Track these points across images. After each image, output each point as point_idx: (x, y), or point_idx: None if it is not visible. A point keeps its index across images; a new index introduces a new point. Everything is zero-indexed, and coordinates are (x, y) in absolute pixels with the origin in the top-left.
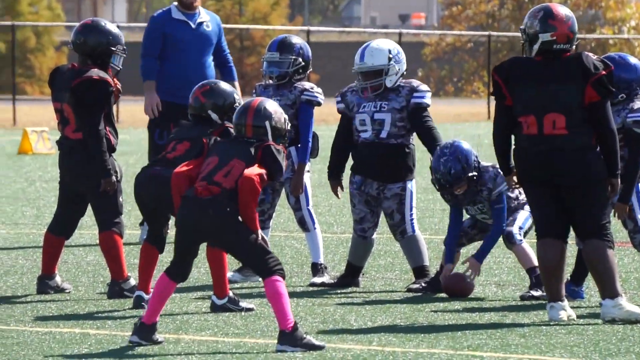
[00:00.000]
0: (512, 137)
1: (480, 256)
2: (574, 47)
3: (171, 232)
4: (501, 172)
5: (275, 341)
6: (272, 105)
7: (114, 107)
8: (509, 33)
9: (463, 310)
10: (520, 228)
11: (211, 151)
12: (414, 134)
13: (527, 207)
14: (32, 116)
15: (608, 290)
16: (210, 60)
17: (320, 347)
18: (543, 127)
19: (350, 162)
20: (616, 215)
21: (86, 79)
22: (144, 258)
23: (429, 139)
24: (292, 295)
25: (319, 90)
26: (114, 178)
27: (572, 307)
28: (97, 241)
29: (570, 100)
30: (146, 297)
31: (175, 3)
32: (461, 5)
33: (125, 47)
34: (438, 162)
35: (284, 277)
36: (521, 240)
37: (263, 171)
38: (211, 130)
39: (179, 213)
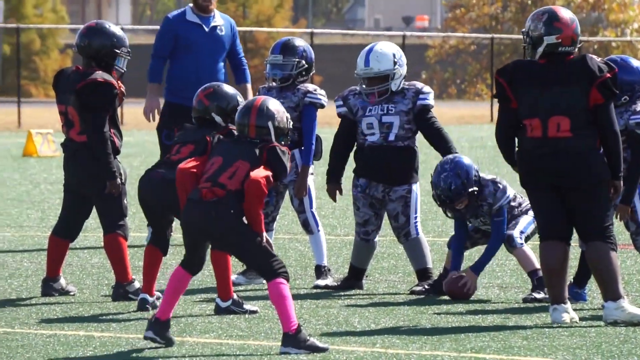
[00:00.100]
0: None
1: (477, 268)
2: (576, 49)
3: (176, 235)
4: (501, 187)
5: (279, 343)
6: (274, 105)
7: (118, 110)
8: (512, 35)
9: (466, 313)
10: (522, 232)
11: (215, 151)
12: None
13: (530, 213)
14: (37, 118)
15: (610, 292)
16: (222, 64)
17: (323, 349)
18: (547, 129)
19: (350, 165)
20: (618, 217)
21: (91, 81)
22: (148, 260)
23: (440, 140)
24: (295, 297)
25: (323, 92)
26: (118, 180)
27: (574, 310)
28: (102, 244)
29: (574, 102)
30: (150, 299)
31: (191, 5)
32: (464, 7)
33: (129, 50)
34: (438, 178)
35: (288, 280)
36: (522, 244)
37: (269, 173)
38: (215, 133)
39: (184, 216)
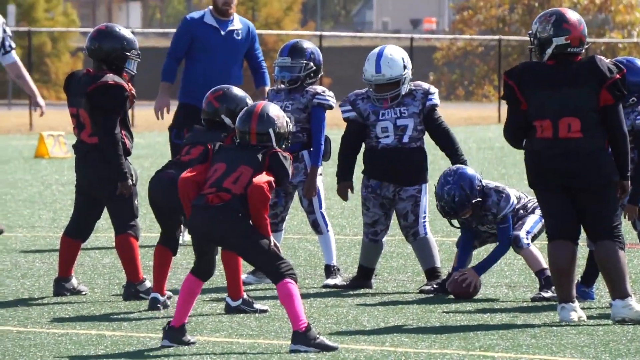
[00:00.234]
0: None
1: (480, 269)
2: (583, 50)
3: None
4: (504, 195)
5: (289, 342)
6: (274, 110)
7: (129, 112)
8: (519, 37)
9: (475, 311)
10: (528, 232)
11: (217, 157)
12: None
13: (537, 212)
14: (49, 121)
15: (618, 290)
16: (237, 68)
17: (333, 348)
18: (558, 130)
19: (358, 165)
20: (626, 216)
21: (101, 84)
22: (158, 260)
23: (447, 141)
24: (305, 296)
25: (331, 93)
26: (129, 181)
27: (582, 308)
28: (113, 244)
29: (585, 103)
30: (161, 298)
31: (211, 7)
32: (472, 10)
33: (139, 52)
34: (442, 190)
35: (295, 281)
36: (528, 244)
37: (271, 178)
38: (225, 135)
39: (191, 222)
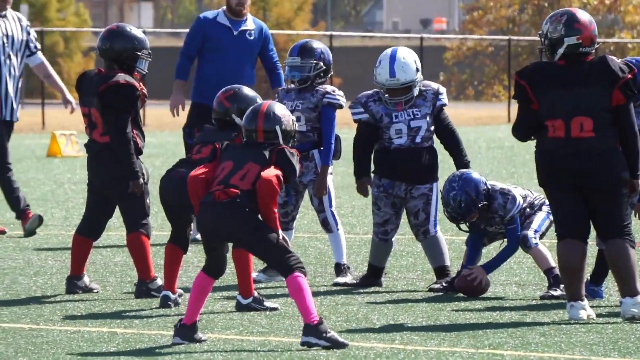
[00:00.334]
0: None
1: (488, 268)
2: (594, 50)
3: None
4: (510, 197)
5: (300, 339)
6: (280, 109)
7: (141, 111)
8: (529, 37)
9: (484, 310)
10: (536, 231)
11: (224, 156)
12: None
13: (544, 208)
14: (61, 120)
15: (628, 288)
16: (249, 68)
17: (344, 344)
18: (570, 130)
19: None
20: (637, 215)
21: (113, 83)
22: (169, 258)
23: (452, 141)
24: (316, 294)
25: (341, 93)
26: (141, 180)
27: (591, 307)
28: (125, 242)
29: (596, 103)
30: (172, 296)
31: (224, 8)
32: (482, 10)
33: (150, 52)
34: (448, 197)
35: (305, 275)
36: (537, 243)
37: (279, 172)
38: (235, 134)
39: (199, 219)
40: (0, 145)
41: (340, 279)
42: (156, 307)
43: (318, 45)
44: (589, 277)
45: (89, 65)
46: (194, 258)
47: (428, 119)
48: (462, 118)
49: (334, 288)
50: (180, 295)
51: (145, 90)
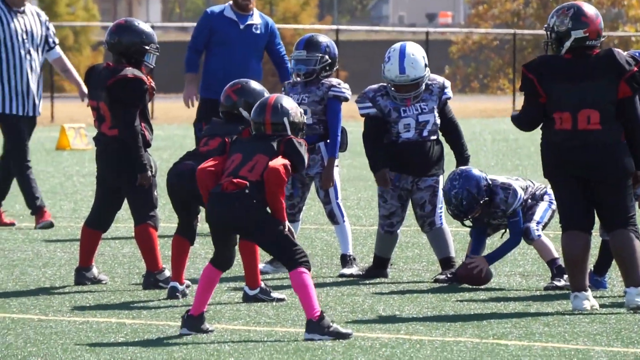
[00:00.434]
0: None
1: (491, 259)
2: (599, 43)
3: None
4: (511, 191)
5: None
6: (288, 102)
7: (149, 104)
8: (534, 31)
9: (488, 300)
10: (538, 223)
11: (233, 149)
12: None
13: (546, 198)
14: (70, 113)
15: (632, 278)
16: (256, 62)
17: (347, 335)
18: (577, 122)
19: None
20: None
21: (121, 77)
22: (176, 250)
23: (454, 134)
24: (322, 285)
25: (346, 85)
26: (149, 173)
27: (595, 297)
28: (133, 234)
29: (603, 96)
30: (180, 287)
31: (231, 2)
32: (487, 4)
33: (158, 46)
34: (449, 194)
35: (309, 269)
36: (539, 235)
37: (287, 162)
38: (242, 127)
39: (208, 210)
40: (21, 144)
41: (346, 270)
42: (164, 298)
43: (324, 39)
44: (592, 268)
45: (97, 60)
46: (202, 250)
47: (435, 112)
48: (467, 110)
49: (340, 279)
50: (187, 287)
51: (153, 84)
